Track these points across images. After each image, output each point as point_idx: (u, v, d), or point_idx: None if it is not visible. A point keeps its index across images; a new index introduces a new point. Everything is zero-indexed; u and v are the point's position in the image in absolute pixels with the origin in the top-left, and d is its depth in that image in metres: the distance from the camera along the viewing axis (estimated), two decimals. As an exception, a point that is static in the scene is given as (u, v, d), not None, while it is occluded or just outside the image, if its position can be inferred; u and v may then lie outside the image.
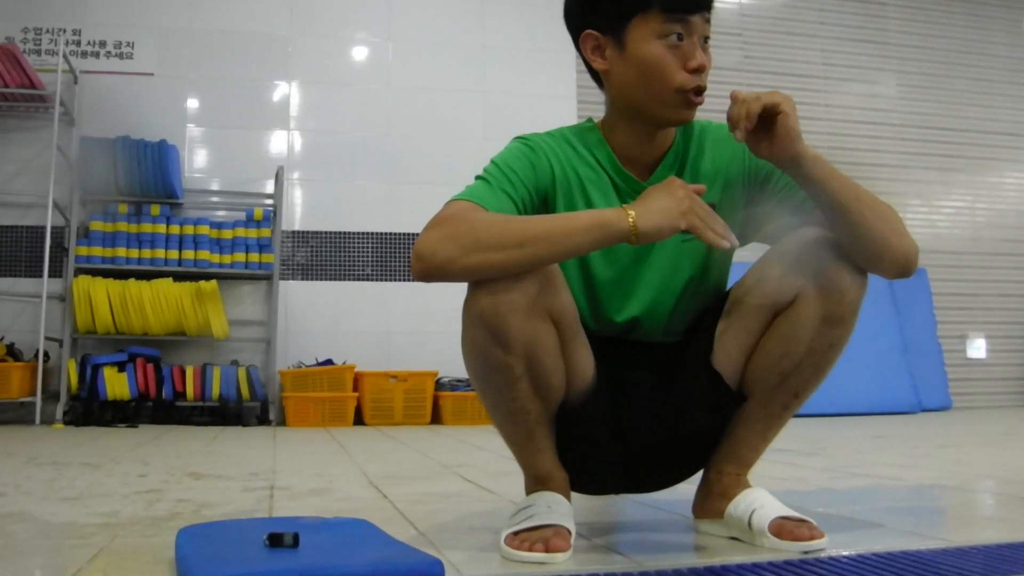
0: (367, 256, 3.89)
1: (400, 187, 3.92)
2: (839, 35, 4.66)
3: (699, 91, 0.96)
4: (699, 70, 0.94)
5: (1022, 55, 4.94)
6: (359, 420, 3.53)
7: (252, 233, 3.62)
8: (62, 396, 3.31)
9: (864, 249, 0.92)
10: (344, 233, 3.89)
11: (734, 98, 0.90)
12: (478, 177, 0.98)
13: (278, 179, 3.71)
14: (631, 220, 0.87)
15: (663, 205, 0.88)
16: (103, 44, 3.76)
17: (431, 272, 0.86)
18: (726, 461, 1.03)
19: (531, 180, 0.97)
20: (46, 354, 3.36)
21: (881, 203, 0.93)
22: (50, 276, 3.33)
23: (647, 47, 0.94)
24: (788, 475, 1.68)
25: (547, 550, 0.88)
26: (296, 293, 3.80)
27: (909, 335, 4.17)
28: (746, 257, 1.08)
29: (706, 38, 0.96)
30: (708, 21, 0.96)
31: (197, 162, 3.83)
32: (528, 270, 0.87)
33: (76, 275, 3.40)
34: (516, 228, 0.87)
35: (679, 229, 0.88)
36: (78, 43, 3.74)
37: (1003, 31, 4.91)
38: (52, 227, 3.35)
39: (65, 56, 3.49)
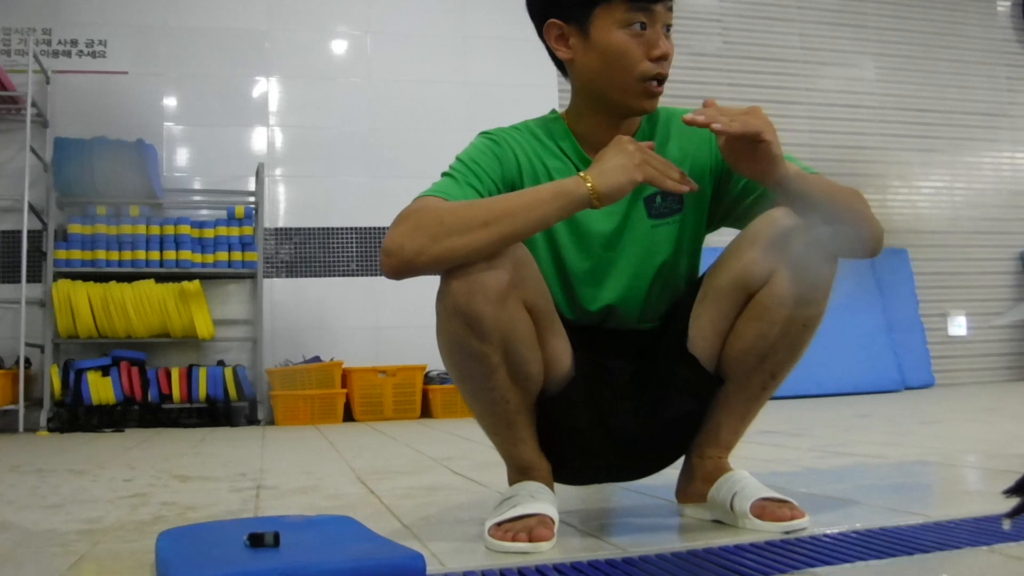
0: (352, 251, 3.87)
1: (384, 181, 3.89)
2: (817, 19, 4.67)
3: (661, 79, 0.96)
4: (663, 58, 0.95)
5: (997, 36, 4.98)
6: (349, 416, 3.52)
7: (234, 231, 3.58)
8: (46, 403, 3.27)
9: (839, 245, 0.94)
10: (328, 229, 3.86)
11: (709, 105, 0.89)
12: (444, 174, 0.97)
13: (259, 176, 3.68)
14: (589, 184, 0.88)
15: (616, 163, 0.89)
16: (75, 43, 3.70)
17: (402, 267, 0.85)
18: (707, 445, 1.04)
19: (497, 173, 0.98)
20: (27, 360, 3.32)
21: (852, 196, 0.94)
22: (29, 281, 3.28)
23: (611, 36, 0.94)
24: (773, 456, 1.69)
25: (531, 540, 0.88)
26: (281, 291, 3.78)
27: (892, 314, 4.22)
28: (718, 242, 1.08)
29: (668, 26, 0.96)
30: (670, 9, 0.97)
31: (176, 161, 3.78)
32: (497, 249, 0.87)
33: (56, 279, 3.35)
34: (480, 209, 0.87)
35: (637, 182, 0.89)
36: (49, 43, 3.67)
37: (978, 13, 4.95)
38: (29, 231, 3.29)
39: (36, 56, 3.42)
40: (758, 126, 0.85)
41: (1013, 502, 0.54)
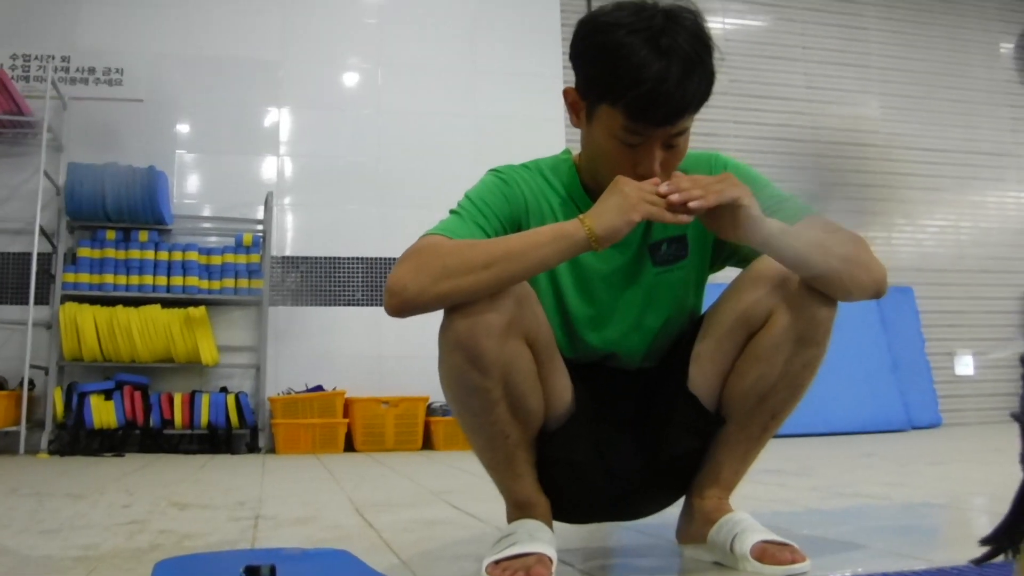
0: (357, 281, 3.89)
1: (391, 211, 3.93)
2: (822, 59, 4.75)
3: None
4: (647, 175, 0.92)
5: (1000, 77, 5.05)
6: (350, 446, 3.49)
7: (242, 259, 3.61)
8: (48, 425, 3.27)
9: (834, 290, 0.93)
10: (334, 258, 3.89)
11: (679, 179, 0.89)
12: (452, 211, 0.99)
13: (268, 204, 3.72)
14: (587, 227, 0.88)
15: (612, 203, 0.88)
16: (92, 71, 3.79)
17: (404, 306, 0.86)
18: (708, 485, 1.03)
19: (504, 212, 0.99)
20: (31, 382, 3.33)
21: (847, 242, 0.93)
22: (36, 303, 3.31)
23: (604, 138, 0.94)
24: (776, 496, 1.67)
25: (529, 579, 0.87)
26: (286, 318, 3.79)
27: (897, 353, 4.19)
28: (721, 278, 1.09)
29: (681, 133, 0.92)
30: (677, 124, 0.91)
31: (187, 188, 3.83)
32: (498, 290, 0.88)
33: (63, 302, 3.38)
34: (481, 250, 0.88)
35: (634, 222, 0.88)
36: (67, 69, 3.76)
37: (982, 53, 5.03)
38: (39, 253, 3.33)
39: (54, 82, 3.50)
40: (735, 193, 0.87)
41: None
